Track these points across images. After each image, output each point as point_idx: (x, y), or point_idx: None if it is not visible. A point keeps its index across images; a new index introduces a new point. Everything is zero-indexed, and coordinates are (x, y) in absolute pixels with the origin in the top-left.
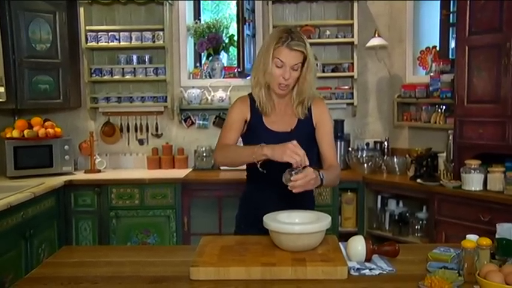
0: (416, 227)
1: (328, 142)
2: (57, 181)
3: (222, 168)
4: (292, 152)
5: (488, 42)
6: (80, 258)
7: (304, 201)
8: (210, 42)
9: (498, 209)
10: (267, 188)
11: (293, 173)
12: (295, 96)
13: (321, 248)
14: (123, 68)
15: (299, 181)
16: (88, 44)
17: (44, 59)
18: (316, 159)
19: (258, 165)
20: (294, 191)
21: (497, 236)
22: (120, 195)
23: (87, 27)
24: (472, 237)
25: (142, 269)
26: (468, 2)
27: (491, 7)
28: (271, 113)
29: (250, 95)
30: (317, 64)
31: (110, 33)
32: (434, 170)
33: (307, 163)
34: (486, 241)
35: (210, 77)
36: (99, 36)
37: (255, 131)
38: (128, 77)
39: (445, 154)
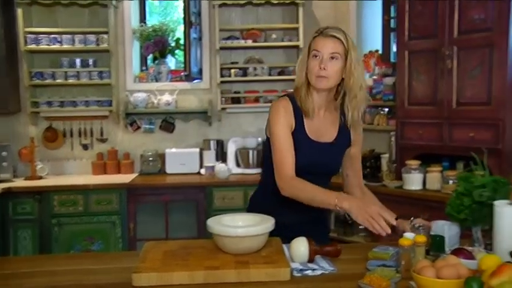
0: (360, 226)
1: (360, 162)
2: None
3: (169, 172)
4: (371, 219)
5: (426, 47)
6: (14, 269)
7: (317, 216)
8: (156, 45)
9: (436, 207)
10: (279, 194)
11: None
12: (345, 92)
13: (264, 251)
14: (65, 72)
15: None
16: (27, 46)
17: None
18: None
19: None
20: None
21: (431, 233)
22: (62, 202)
23: (26, 29)
24: (408, 236)
25: (84, 278)
26: (407, 8)
27: (427, 14)
28: (313, 116)
29: (289, 96)
30: (263, 67)
31: (51, 36)
32: (378, 171)
33: (389, 230)
34: (421, 238)
35: (157, 81)
36: (39, 38)
37: (297, 140)
38: (71, 80)
39: (387, 155)
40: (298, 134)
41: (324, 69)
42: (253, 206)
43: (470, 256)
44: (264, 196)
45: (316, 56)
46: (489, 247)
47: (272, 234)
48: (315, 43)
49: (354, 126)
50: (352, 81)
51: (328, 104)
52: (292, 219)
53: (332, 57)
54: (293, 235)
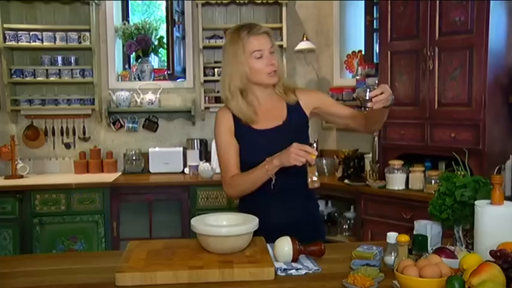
0: (344, 226)
1: (340, 105)
2: None
3: (152, 171)
4: (296, 155)
5: (408, 47)
6: None
7: (307, 207)
8: (139, 44)
9: (419, 207)
10: (268, 192)
11: (368, 90)
12: (280, 82)
13: (248, 250)
14: (47, 70)
15: (380, 96)
16: (6, 43)
17: None
18: None
19: (272, 184)
20: (374, 107)
21: (414, 233)
22: (44, 201)
23: (5, 25)
24: (392, 235)
25: (66, 277)
26: (389, 8)
27: (409, 14)
28: (256, 117)
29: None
30: None
31: (31, 33)
32: (361, 171)
33: (315, 153)
34: (404, 238)
35: (140, 79)
36: (19, 35)
37: (245, 138)
38: (52, 78)
39: (370, 155)
40: (241, 130)
41: (273, 64)
42: (242, 211)
43: (452, 255)
44: (250, 198)
45: (260, 56)
46: (470, 246)
47: (264, 235)
48: (251, 44)
49: (300, 96)
50: (282, 67)
51: (271, 94)
52: (281, 218)
53: (272, 52)
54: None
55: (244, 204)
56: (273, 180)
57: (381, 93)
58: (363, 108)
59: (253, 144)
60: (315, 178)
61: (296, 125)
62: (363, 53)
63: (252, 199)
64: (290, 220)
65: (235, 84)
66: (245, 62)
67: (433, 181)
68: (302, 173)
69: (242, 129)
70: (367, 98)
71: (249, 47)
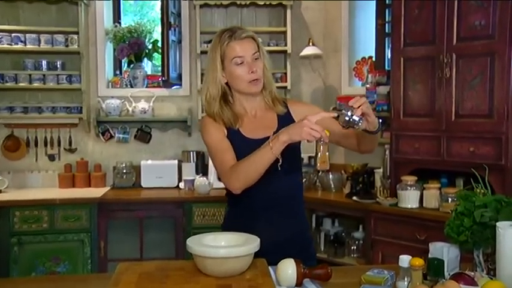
0: (352, 247)
1: (331, 118)
2: None
3: (144, 186)
4: (309, 128)
5: (423, 54)
6: None
7: (297, 222)
8: (131, 48)
9: (434, 227)
10: (254, 210)
11: (343, 107)
12: (266, 89)
13: (248, 273)
14: (30, 75)
15: (358, 102)
16: None
17: None
18: (301, 170)
19: (279, 165)
20: (359, 113)
21: (429, 256)
22: (24, 219)
23: None
24: (404, 258)
25: None
26: (402, 11)
27: (424, 18)
28: (244, 121)
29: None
30: None
31: (13, 35)
32: (371, 187)
33: (327, 137)
34: (418, 262)
35: (132, 86)
36: None
37: (235, 143)
38: (36, 84)
39: (381, 170)
40: (235, 137)
41: (256, 71)
42: (226, 229)
43: (471, 282)
44: (236, 216)
45: (241, 63)
46: (492, 272)
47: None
48: (232, 50)
49: (293, 107)
50: (268, 74)
51: (260, 102)
52: (270, 237)
53: (256, 58)
54: (274, 257)
55: (228, 222)
56: (280, 161)
57: (355, 102)
58: (354, 127)
59: (242, 152)
60: (326, 158)
61: None
62: (374, 59)
63: (236, 217)
64: (276, 239)
65: (212, 92)
66: (226, 68)
67: (449, 199)
68: (289, 189)
69: (232, 134)
70: (349, 115)
71: (229, 53)
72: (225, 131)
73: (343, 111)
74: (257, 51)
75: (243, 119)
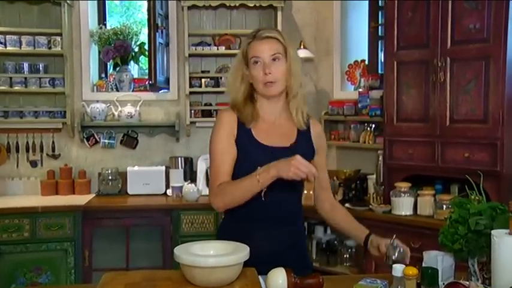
0: (345, 255)
1: (326, 173)
2: None
3: (130, 193)
4: (296, 168)
5: (417, 57)
6: None
7: (295, 231)
8: (117, 50)
9: (428, 235)
10: (251, 219)
11: (397, 250)
12: (290, 95)
13: (238, 283)
14: (10, 78)
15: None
16: None
17: None
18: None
19: (263, 194)
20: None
21: (423, 265)
22: (4, 228)
23: None
24: (398, 267)
25: None
26: (396, 14)
27: (418, 21)
28: (259, 122)
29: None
30: None
31: None
32: (364, 194)
33: (316, 174)
34: (412, 271)
35: (117, 90)
36: None
37: (245, 146)
38: (17, 88)
39: (374, 176)
40: (243, 138)
41: (270, 73)
42: (222, 237)
43: None
44: (233, 224)
45: (256, 63)
46: (488, 281)
47: (246, 265)
48: (251, 50)
49: (314, 128)
50: (293, 80)
51: (282, 110)
52: (267, 246)
53: (274, 59)
54: (271, 266)
55: (223, 230)
56: (263, 192)
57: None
58: (388, 262)
59: (252, 156)
60: (310, 195)
61: (304, 154)
62: (366, 62)
63: (232, 225)
64: (272, 249)
65: (239, 88)
66: (248, 65)
67: (444, 206)
68: (286, 197)
69: (244, 137)
70: (395, 257)
71: (249, 52)
72: (235, 131)
73: (390, 255)
74: (278, 53)
75: (259, 120)
